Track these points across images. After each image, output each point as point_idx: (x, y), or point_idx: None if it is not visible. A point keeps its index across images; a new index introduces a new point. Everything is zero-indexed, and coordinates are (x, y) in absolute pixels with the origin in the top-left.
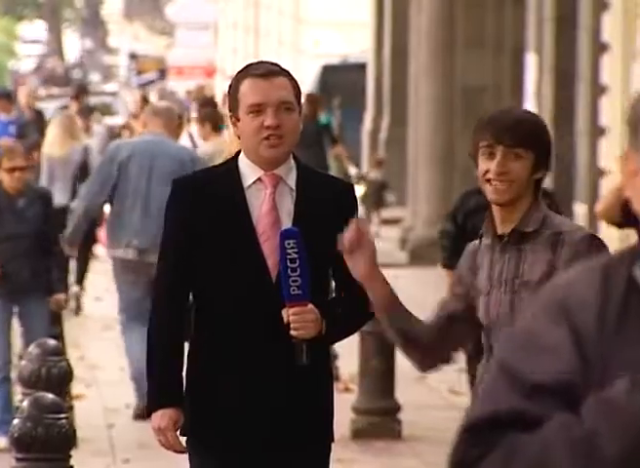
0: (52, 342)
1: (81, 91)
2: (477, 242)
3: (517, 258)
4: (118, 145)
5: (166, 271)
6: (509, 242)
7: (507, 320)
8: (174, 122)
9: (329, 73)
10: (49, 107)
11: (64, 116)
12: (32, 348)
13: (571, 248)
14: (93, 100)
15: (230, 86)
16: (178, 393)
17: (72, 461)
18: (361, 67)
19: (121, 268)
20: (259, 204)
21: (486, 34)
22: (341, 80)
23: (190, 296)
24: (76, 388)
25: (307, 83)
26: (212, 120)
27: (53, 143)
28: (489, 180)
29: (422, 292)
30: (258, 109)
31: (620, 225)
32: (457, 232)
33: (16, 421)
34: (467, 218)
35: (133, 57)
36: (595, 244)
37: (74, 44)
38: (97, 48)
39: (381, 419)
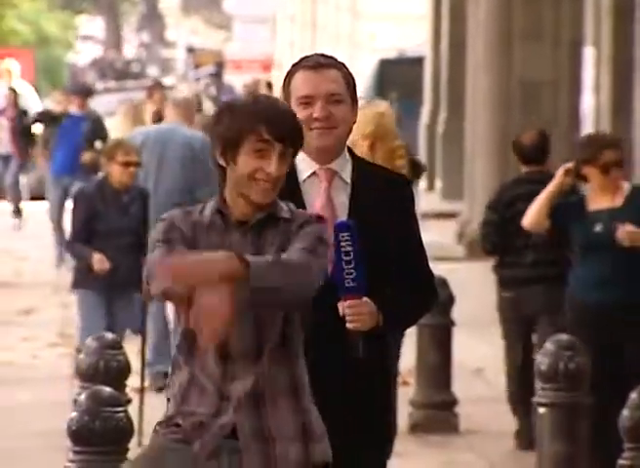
0: (110, 336)
1: (155, 86)
2: None
3: None
4: (134, 134)
5: None
6: None
7: None
8: (191, 111)
9: (386, 67)
10: (111, 101)
11: (129, 104)
12: (90, 341)
13: None
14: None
15: (285, 79)
16: None
17: (130, 454)
18: (418, 61)
19: None
20: (314, 198)
21: (543, 27)
22: (399, 73)
23: None
24: (135, 382)
25: (364, 77)
26: None
27: (118, 131)
28: None
29: (479, 285)
30: (307, 101)
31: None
32: (499, 221)
33: (74, 414)
34: (508, 208)
35: (190, 50)
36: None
37: (132, 38)
38: (154, 42)
39: (438, 413)
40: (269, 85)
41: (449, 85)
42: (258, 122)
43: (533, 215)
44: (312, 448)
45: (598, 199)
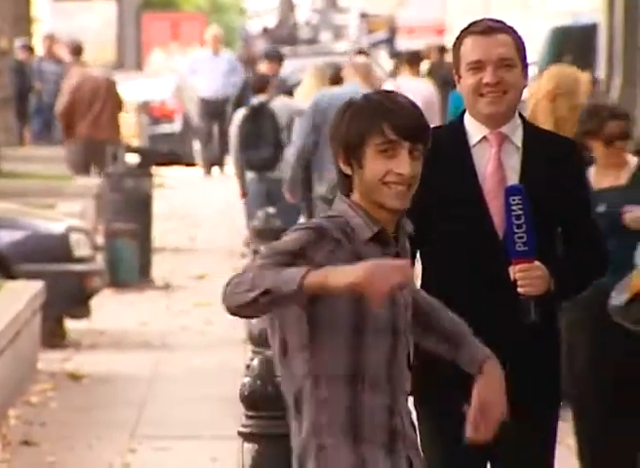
0: None
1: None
2: None
3: None
4: (323, 94)
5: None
6: None
7: None
8: (370, 74)
9: (559, 34)
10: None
11: (315, 68)
12: None
13: None
14: (323, 60)
15: (454, 44)
16: None
17: None
18: (592, 27)
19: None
20: (485, 163)
21: None
22: (572, 40)
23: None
24: None
25: (537, 42)
26: None
27: (306, 94)
28: None
29: None
30: (477, 66)
31: None
32: None
33: (246, 380)
34: None
35: (363, 16)
36: None
37: (305, 3)
38: (327, 7)
39: None
40: (442, 49)
41: (624, 51)
42: (380, 120)
43: None
44: None
45: (602, 176)
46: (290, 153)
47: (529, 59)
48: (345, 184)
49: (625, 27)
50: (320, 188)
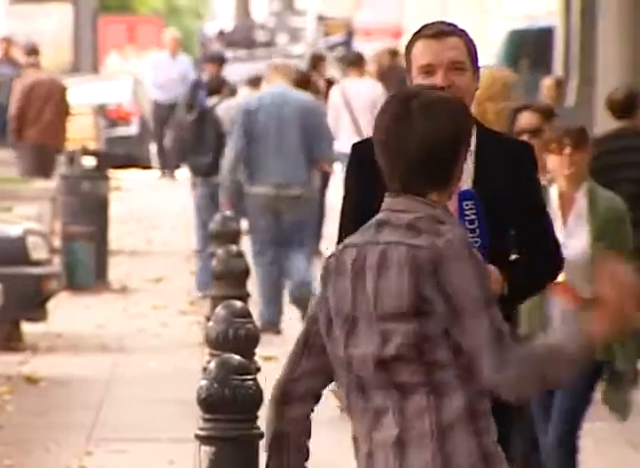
0: (239, 304)
1: (318, 58)
2: None
3: None
4: (251, 98)
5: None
6: None
7: None
8: (292, 75)
9: (516, 37)
10: (240, 70)
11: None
12: (219, 310)
13: None
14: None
15: (406, 48)
16: None
17: (259, 423)
18: (548, 30)
19: (259, 204)
20: None
21: None
22: (529, 42)
23: None
24: (266, 350)
25: (493, 44)
26: None
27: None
28: None
29: None
30: (428, 70)
31: None
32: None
33: (203, 382)
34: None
35: (320, 19)
36: None
37: (262, 6)
38: (284, 10)
39: None
40: (394, 53)
41: (580, 52)
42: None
43: None
44: None
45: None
46: (225, 161)
47: (486, 63)
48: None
49: (582, 30)
50: (254, 189)
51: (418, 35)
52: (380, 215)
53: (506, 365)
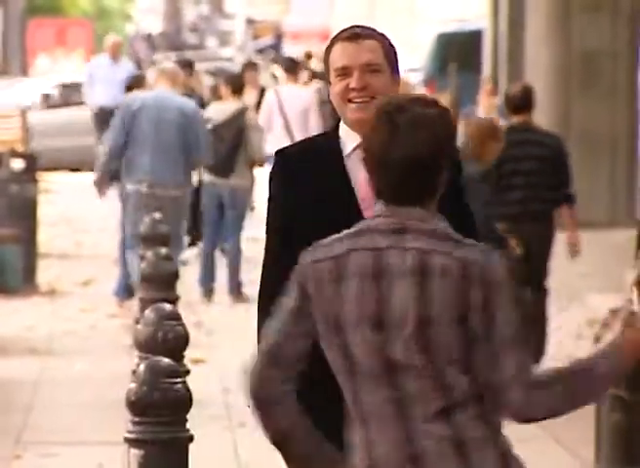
0: (168, 307)
1: (250, 66)
2: None
3: None
4: (134, 97)
5: (273, 247)
6: None
7: None
8: (178, 79)
9: (444, 40)
10: None
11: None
12: (148, 312)
13: None
14: (209, 66)
15: (325, 52)
16: None
17: (188, 425)
18: (477, 33)
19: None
20: (359, 171)
21: None
22: (458, 45)
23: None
24: (195, 353)
25: (423, 48)
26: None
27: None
28: None
29: None
30: (344, 72)
31: None
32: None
33: (132, 385)
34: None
35: (249, 22)
36: None
37: (190, 9)
38: (213, 13)
39: None
40: (308, 56)
41: (508, 57)
42: None
43: None
44: None
45: None
46: (101, 152)
47: (415, 66)
48: None
49: (510, 32)
50: (129, 186)
51: (335, 39)
52: (382, 221)
53: (536, 393)
